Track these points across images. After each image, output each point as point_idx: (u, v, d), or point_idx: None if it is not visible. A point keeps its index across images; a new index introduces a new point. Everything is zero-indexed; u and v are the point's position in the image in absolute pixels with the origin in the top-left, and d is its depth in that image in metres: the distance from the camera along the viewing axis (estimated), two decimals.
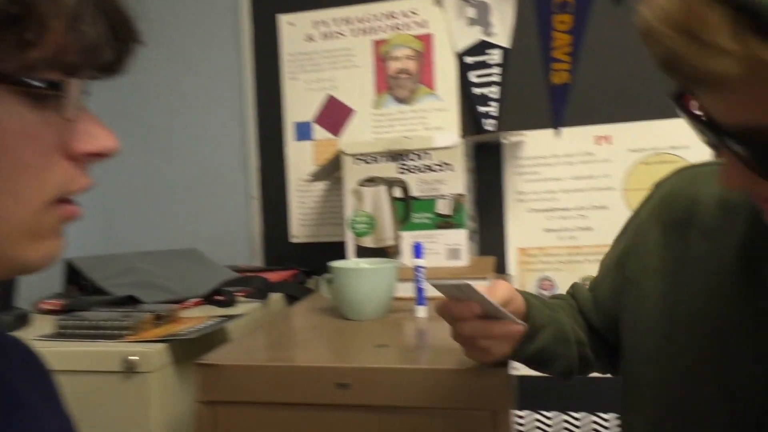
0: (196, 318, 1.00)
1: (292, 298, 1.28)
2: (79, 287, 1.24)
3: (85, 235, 1.60)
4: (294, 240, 1.51)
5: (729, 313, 0.57)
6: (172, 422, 0.87)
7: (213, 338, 0.95)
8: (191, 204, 1.60)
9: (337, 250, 1.29)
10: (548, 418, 1.39)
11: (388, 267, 0.95)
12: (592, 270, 1.38)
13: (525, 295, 0.70)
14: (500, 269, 1.39)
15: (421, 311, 0.97)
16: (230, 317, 0.99)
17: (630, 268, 0.69)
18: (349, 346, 0.82)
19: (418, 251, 0.96)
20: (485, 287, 0.62)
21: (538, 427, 1.39)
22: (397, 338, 0.85)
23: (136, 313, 0.96)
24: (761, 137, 0.41)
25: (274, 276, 1.37)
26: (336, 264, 0.99)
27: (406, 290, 1.11)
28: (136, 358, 0.84)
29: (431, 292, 0.91)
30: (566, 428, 1.38)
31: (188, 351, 0.90)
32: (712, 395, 0.58)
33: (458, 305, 0.62)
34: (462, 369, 0.70)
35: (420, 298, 0.97)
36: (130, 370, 0.85)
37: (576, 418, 1.37)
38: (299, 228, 1.51)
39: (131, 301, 1.08)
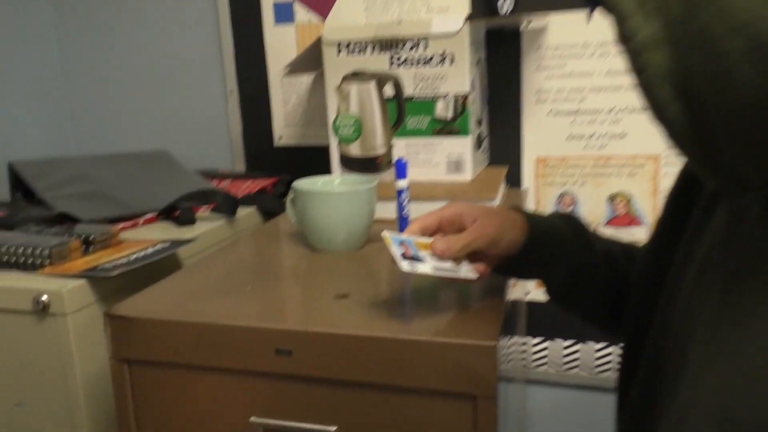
0: (140, 243, 0.84)
1: (268, 213, 1.11)
2: (26, 196, 1.08)
3: (50, 133, 1.43)
4: (279, 143, 1.32)
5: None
6: (96, 374, 0.73)
7: (161, 267, 0.79)
8: (164, 99, 1.40)
9: (326, 156, 1.09)
10: (566, 347, 1.24)
11: (362, 190, 0.77)
12: (623, 185, 1.18)
13: (543, 224, 0.60)
14: (513, 182, 1.19)
15: None
16: (179, 243, 0.83)
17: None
18: (303, 294, 0.65)
19: (401, 170, 0.76)
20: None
21: (545, 356, 1.25)
22: (366, 284, 0.68)
23: (66, 237, 0.80)
24: None
25: (253, 185, 1.20)
26: (300, 185, 0.80)
27: (393, 211, 0.93)
28: (45, 297, 0.69)
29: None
30: (578, 358, 1.23)
31: (118, 287, 0.75)
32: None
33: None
34: (433, 342, 0.52)
35: (402, 228, 0.78)
36: (42, 310, 0.70)
37: (598, 349, 1.22)
38: (284, 129, 1.31)
39: (67, 218, 0.92)
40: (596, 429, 1.29)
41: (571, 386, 1.27)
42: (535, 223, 0.59)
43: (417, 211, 0.92)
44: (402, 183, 0.77)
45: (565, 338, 1.23)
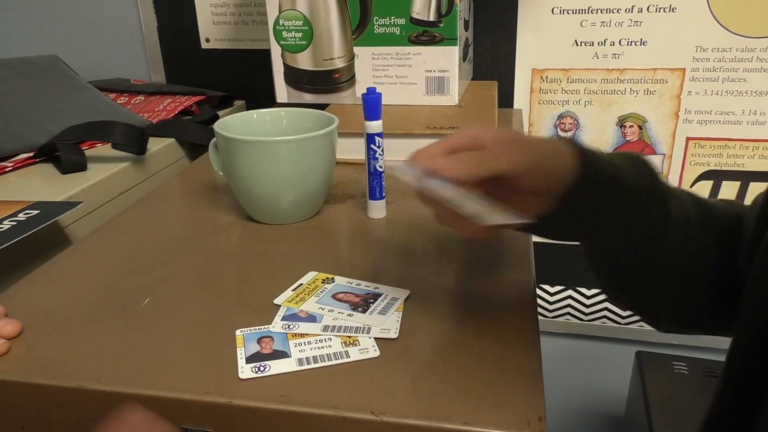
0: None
1: (194, 147, 0.86)
2: None
3: None
4: (207, 46, 1.04)
5: None
6: None
7: (23, 248, 0.55)
8: None
9: (267, 64, 0.83)
10: (554, 293, 1.07)
11: (316, 137, 0.52)
12: (637, 106, 0.96)
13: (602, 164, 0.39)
14: (501, 101, 0.96)
15: (377, 209, 0.56)
16: (52, 210, 0.58)
17: None
18: (230, 315, 0.43)
19: (372, 107, 0.52)
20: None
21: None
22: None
23: None
24: None
25: (173, 104, 0.93)
26: (224, 126, 0.55)
27: (359, 150, 0.70)
28: None
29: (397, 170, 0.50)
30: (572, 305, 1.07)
31: None
32: None
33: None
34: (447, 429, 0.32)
35: (375, 188, 0.56)
36: None
37: (586, 296, 1.06)
38: (212, 28, 1.02)
39: None
40: (590, 378, 1.16)
41: (561, 335, 1.12)
42: (589, 156, 0.38)
43: (388, 151, 0.69)
44: (374, 125, 0.53)
45: (552, 285, 1.06)
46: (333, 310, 0.41)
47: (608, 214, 0.39)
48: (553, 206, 0.38)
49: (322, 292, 0.44)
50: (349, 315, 0.41)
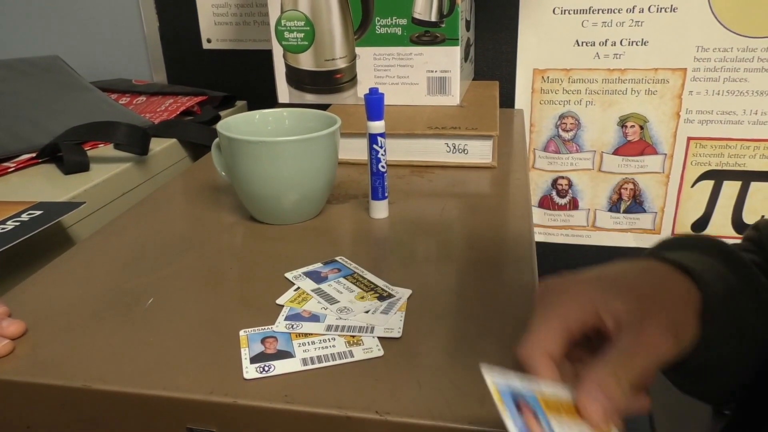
0: (1, 207, 0.59)
1: (196, 147, 0.86)
2: None
3: None
4: (208, 46, 1.04)
5: None
6: None
7: (26, 249, 0.55)
8: None
9: (268, 64, 0.83)
10: None
11: (319, 138, 0.52)
12: (638, 106, 0.97)
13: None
14: (503, 100, 0.96)
15: (380, 209, 0.56)
16: (55, 211, 0.58)
17: None
18: (233, 315, 0.43)
19: (375, 108, 0.53)
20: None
21: None
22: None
23: None
24: None
25: (175, 104, 0.93)
26: (226, 126, 0.55)
27: (361, 150, 0.70)
28: None
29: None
30: None
31: None
32: None
33: None
34: (449, 428, 0.32)
35: (377, 189, 0.56)
36: None
37: None
38: (214, 28, 1.02)
39: None
40: None
41: None
42: (710, 295, 0.34)
43: (389, 151, 0.69)
44: (376, 125, 0.53)
45: None
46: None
47: (733, 354, 0.36)
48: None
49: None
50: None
